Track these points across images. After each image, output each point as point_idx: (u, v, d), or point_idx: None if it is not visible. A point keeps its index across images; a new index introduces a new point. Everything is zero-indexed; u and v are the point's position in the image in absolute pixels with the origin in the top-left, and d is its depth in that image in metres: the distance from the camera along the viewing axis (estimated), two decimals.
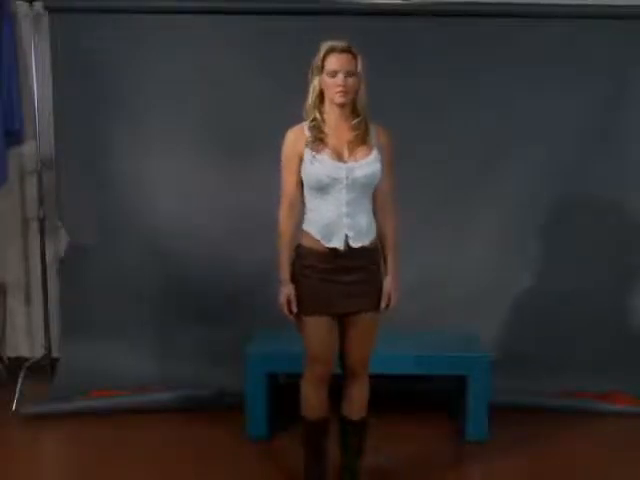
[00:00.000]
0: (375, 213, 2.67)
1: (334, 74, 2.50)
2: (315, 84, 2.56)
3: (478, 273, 3.96)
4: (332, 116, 2.58)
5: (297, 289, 2.62)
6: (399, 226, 2.72)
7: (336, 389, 2.78)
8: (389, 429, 3.41)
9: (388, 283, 2.68)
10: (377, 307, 2.66)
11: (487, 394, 3.35)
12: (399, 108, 3.71)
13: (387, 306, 2.68)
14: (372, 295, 2.65)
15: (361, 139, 2.57)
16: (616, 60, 3.83)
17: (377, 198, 2.66)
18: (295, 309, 2.62)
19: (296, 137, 2.59)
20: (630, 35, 3.80)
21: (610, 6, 3.81)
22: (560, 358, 3.91)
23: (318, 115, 2.58)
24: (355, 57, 2.53)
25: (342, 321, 2.67)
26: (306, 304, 2.61)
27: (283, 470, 3.11)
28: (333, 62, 2.50)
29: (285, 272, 2.63)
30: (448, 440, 3.43)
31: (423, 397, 3.82)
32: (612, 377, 3.86)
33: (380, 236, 2.69)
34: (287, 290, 2.62)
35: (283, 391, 3.56)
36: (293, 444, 3.07)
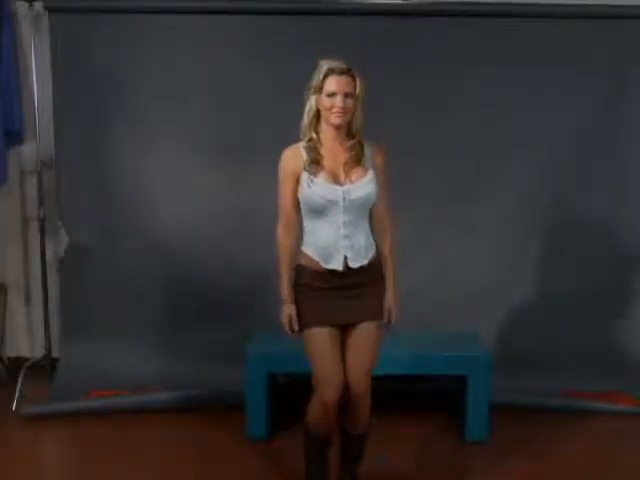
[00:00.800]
0: (372, 232, 2.66)
1: (333, 95, 2.49)
2: (312, 104, 2.55)
3: (478, 273, 3.97)
4: (328, 137, 2.57)
5: (297, 306, 2.61)
6: (396, 235, 2.71)
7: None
8: (389, 429, 3.40)
9: (388, 300, 2.67)
10: (378, 317, 2.64)
11: (487, 394, 3.35)
12: (399, 108, 3.71)
13: (389, 322, 2.67)
14: (373, 306, 2.63)
15: (356, 160, 2.57)
16: (616, 60, 3.84)
17: (373, 218, 2.66)
18: (297, 327, 2.60)
19: (292, 158, 2.57)
20: (630, 35, 3.81)
21: (610, 6, 3.81)
22: (560, 358, 3.92)
23: (314, 135, 2.57)
24: (354, 79, 2.52)
25: (344, 335, 2.63)
26: (307, 317, 2.59)
27: (283, 470, 3.11)
28: (332, 83, 2.49)
29: (286, 291, 2.62)
30: (448, 440, 3.43)
31: (423, 397, 3.82)
32: (612, 377, 3.86)
33: (377, 254, 2.67)
34: (288, 309, 2.61)
35: (283, 391, 3.56)
36: (293, 444, 3.07)
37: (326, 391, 2.57)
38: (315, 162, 2.54)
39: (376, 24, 3.79)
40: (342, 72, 2.50)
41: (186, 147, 3.94)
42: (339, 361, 2.60)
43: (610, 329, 3.98)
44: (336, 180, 2.54)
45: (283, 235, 2.62)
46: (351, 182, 2.55)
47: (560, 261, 3.97)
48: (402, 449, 3.31)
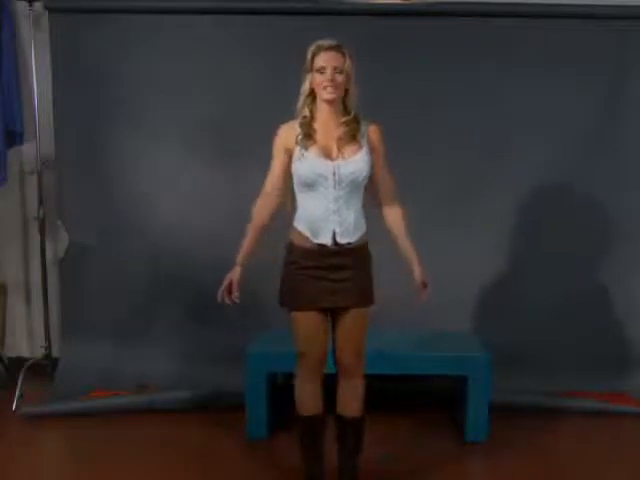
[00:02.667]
0: (382, 212, 2.72)
1: (322, 70, 2.55)
2: (306, 83, 2.62)
3: (478, 273, 3.96)
4: (323, 114, 2.62)
5: (285, 284, 2.69)
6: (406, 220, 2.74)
7: (334, 389, 2.78)
8: (389, 429, 3.41)
9: (419, 274, 2.73)
10: (365, 304, 2.68)
11: (487, 394, 3.35)
12: (399, 108, 3.71)
13: (424, 292, 2.74)
14: (360, 292, 2.67)
15: (350, 137, 2.61)
16: (616, 60, 3.84)
17: (381, 197, 2.71)
18: (236, 294, 2.68)
19: (286, 132, 2.64)
20: (630, 35, 3.81)
21: (610, 6, 3.81)
22: (560, 358, 3.91)
23: (308, 113, 2.62)
24: (344, 55, 2.57)
25: (332, 317, 2.69)
26: (293, 299, 2.65)
27: (283, 470, 3.11)
28: (321, 59, 2.56)
29: (241, 255, 2.69)
30: (448, 440, 3.43)
31: (423, 397, 3.82)
32: (612, 377, 3.86)
33: (392, 232, 2.73)
34: (232, 275, 2.69)
35: (283, 391, 3.56)
36: (293, 444, 3.06)
37: (307, 362, 2.67)
38: (307, 136, 2.59)
39: (376, 24, 3.79)
40: (330, 47, 2.56)
41: (186, 147, 3.94)
42: (322, 339, 2.67)
43: (610, 329, 3.98)
44: (328, 155, 2.59)
45: (260, 202, 2.70)
46: (343, 158, 2.60)
47: (560, 261, 3.97)
48: (402, 449, 3.31)
